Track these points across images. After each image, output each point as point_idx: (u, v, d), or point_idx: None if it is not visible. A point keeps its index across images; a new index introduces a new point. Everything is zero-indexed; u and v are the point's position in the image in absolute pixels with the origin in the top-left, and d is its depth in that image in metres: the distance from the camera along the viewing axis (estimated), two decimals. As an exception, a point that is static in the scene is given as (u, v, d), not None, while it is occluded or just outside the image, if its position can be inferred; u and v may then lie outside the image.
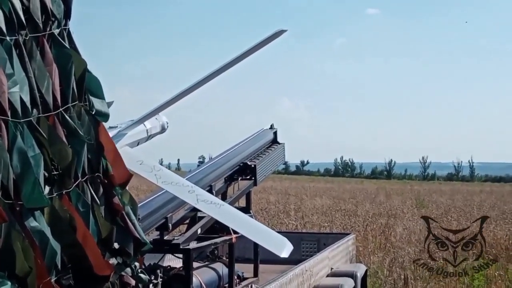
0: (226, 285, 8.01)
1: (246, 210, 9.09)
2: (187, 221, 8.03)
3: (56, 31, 3.70)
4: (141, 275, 4.33)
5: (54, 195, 3.42)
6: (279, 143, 10.45)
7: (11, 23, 3.29)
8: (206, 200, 5.62)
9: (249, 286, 8.49)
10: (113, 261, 3.95)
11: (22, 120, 3.19)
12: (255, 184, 9.12)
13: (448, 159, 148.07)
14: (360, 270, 10.43)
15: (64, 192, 3.51)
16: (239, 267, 8.48)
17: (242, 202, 9.20)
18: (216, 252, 8.41)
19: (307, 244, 11.25)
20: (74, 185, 3.60)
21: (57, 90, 3.55)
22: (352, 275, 9.65)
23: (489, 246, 17.40)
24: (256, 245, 9.13)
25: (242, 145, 9.44)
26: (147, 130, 6.48)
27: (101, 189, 3.92)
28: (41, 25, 3.54)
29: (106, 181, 3.98)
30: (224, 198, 8.75)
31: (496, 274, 14.21)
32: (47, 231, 3.25)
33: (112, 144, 4.16)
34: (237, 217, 5.83)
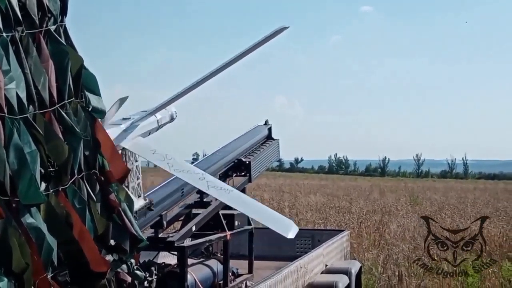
0: (221, 282, 8.03)
1: (241, 207, 9.11)
2: (182, 218, 8.04)
3: (53, 28, 3.70)
4: (137, 272, 4.33)
5: (51, 191, 3.42)
6: (273, 139, 10.44)
7: (7, 19, 3.29)
8: (216, 186, 5.72)
9: (244, 282, 8.52)
10: (109, 257, 3.96)
11: (18, 117, 3.19)
12: (249, 181, 9.12)
13: (442, 157, 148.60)
14: (355, 267, 10.44)
15: (60, 189, 3.51)
16: (233, 264, 8.50)
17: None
18: (210, 249, 8.43)
19: (301, 241, 11.27)
20: (71, 181, 3.60)
21: (53, 86, 3.55)
22: (346, 272, 9.66)
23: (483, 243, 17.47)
24: (250, 242, 9.16)
25: (237, 141, 9.44)
26: (157, 120, 6.59)
27: (98, 186, 3.93)
28: (37, 22, 3.53)
29: (102, 178, 3.98)
30: (219, 194, 8.76)
31: (490, 271, 14.24)
32: (44, 228, 3.26)
33: (109, 141, 4.16)
34: (246, 202, 5.98)
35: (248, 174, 9.05)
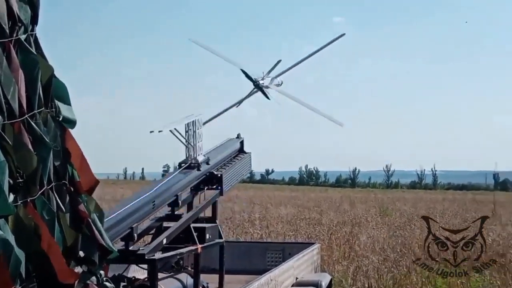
0: (192, 296, 7.99)
1: (212, 220, 9.08)
2: (153, 231, 7.99)
3: (23, 37, 3.65)
4: (107, 283, 4.29)
5: (19, 203, 3.37)
6: (246, 152, 10.46)
7: (-24, 28, 3.25)
8: None
9: (215, 296, 8.49)
10: (78, 269, 3.91)
11: (-14, 127, 3.14)
12: (221, 194, 9.10)
13: (411, 167, 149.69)
14: (325, 279, 10.45)
15: (29, 200, 3.46)
16: (204, 278, 8.45)
17: (208, 212, 9.18)
18: (181, 262, 8.39)
19: (272, 254, 11.27)
20: (40, 192, 3.56)
21: (23, 96, 3.50)
22: (317, 285, 9.67)
23: (452, 254, 17.58)
24: (221, 255, 9.12)
25: (209, 154, 9.42)
26: None
27: (67, 197, 3.88)
28: (7, 31, 3.49)
29: (72, 188, 3.94)
30: (190, 208, 8.72)
31: (458, 282, 14.35)
32: (12, 240, 3.20)
33: (79, 151, 4.12)
34: None
35: (219, 187, 9.03)
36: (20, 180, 3.43)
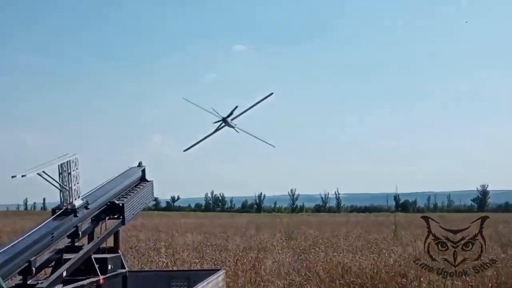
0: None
1: (114, 250, 8.97)
2: (52, 263, 7.81)
3: None
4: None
5: None
6: (147, 181, 10.41)
7: None
8: None
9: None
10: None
11: None
12: (123, 223, 9.01)
13: (315, 191, 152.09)
14: (231, 305, 10.49)
15: None
16: (107, 309, 8.32)
17: (110, 242, 9.06)
18: (83, 294, 8.22)
19: (177, 282, 11.19)
20: None
21: None
22: (222, 311, 9.68)
23: (355, 276, 17.92)
24: (124, 286, 9.01)
25: (109, 184, 9.32)
26: None
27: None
28: None
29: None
30: (91, 238, 8.59)
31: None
32: None
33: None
34: None
35: (121, 217, 8.94)
36: None
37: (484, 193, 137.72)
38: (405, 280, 16.84)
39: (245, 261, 21.21)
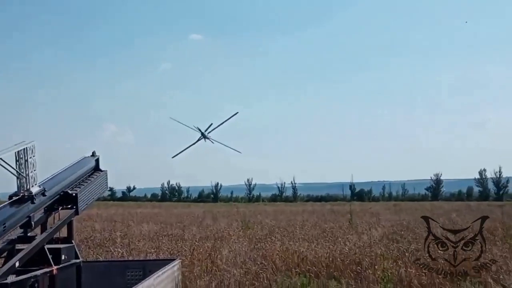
0: (47, 319, 7.77)
1: (68, 240, 8.88)
2: (5, 254, 7.71)
3: None
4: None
5: None
6: (101, 170, 10.32)
7: None
8: None
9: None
10: None
11: None
12: (76, 213, 8.92)
13: (272, 181, 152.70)
14: (186, 294, 10.49)
15: None
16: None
17: (64, 232, 8.98)
18: (36, 285, 8.12)
19: (132, 272, 11.14)
20: None
21: None
22: (178, 301, 9.67)
23: (311, 264, 18.05)
24: (79, 276, 8.93)
25: (62, 174, 9.21)
26: None
27: None
28: None
29: None
30: (44, 228, 8.49)
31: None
32: None
33: None
34: None
35: (75, 207, 8.85)
36: None
37: (437, 182, 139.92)
38: (360, 268, 17.02)
39: (201, 250, 21.21)
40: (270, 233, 29.91)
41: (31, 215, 7.90)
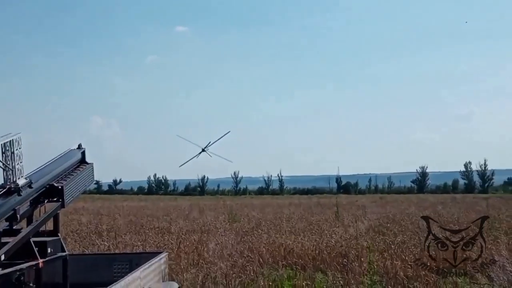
0: (34, 313, 7.74)
1: (54, 233, 8.85)
2: None
3: None
4: None
5: None
6: (87, 163, 10.28)
7: None
8: None
9: (58, 311, 8.27)
10: None
11: None
12: (62, 206, 8.87)
13: (258, 174, 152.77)
14: (173, 287, 10.47)
15: None
16: (47, 293, 8.23)
17: (50, 226, 8.94)
18: (22, 278, 8.09)
19: (119, 265, 11.11)
20: None
21: None
22: (164, 293, 9.67)
23: (297, 257, 18.11)
24: (65, 269, 8.90)
25: (48, 166, 9.16)
26: None
27: None
28: None
29: None
30: (30, 221, 8.45)
31: (304, 284, 14.80)
32: None
33: None
34: None
35: (61, 200, 8.81)
36: None
37: (423, 174, 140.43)
38: (346, 260, 17.11)
39: (188, 243, 21.23)
40: (257, 226, 29.96)
41: (16, 208, 7.86)
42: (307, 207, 51.96)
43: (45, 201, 8.66)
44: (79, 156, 10.16)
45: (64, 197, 8.82)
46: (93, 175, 10.43)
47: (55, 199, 8.78)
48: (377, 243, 21.20)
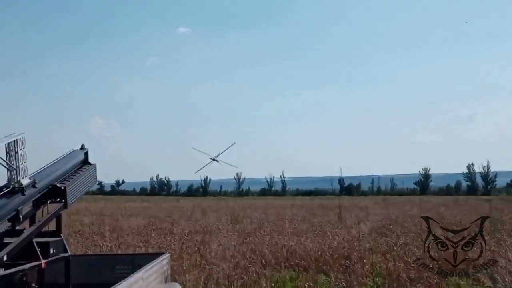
0: (36, 313, 7.74)
1: (56, 233, 8.84)
2: None
3: None
4: None
5: None
6: (90, 164, 10.27)
7: None
8: None
9: (61, 312, 8.27)
10: None
11: None
12: (65, 206, 8.87)
13: (261, 175, 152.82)
14: (175, 288, 10.47)
15: None
16: (50, 293, 8.22)
17: (53, 226, 8.94)
18: (24, 279, 8.08)
19: (121, 266, 11.10)
20: None
21: None
22: (166, 294, 9.66)
23: (300, 258, 18.09)
24: (67, 270, 8.90)
25: (51, 167, 9.16)
26: None
27: None
28: None
29: None
30: (32, 222, 8.44)
31: (306, 285, 14.78)
32: None
33: None
34: None
35: (64, 200, 8.81)
36: None
37: (426, 176, 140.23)
38: (348, 262, 17.09)
39: (190, 244, 21.23)
40: (259, 227, 29.95)
41: (19, 208, 7.86)
42: (310, 209, 51.93)
43: (48, 202, 8.66)
44: (82, 156, 10.16)
45: (67, 198, 8.82)
46: (96, 175, 10.42)
47: (58, 199, 8.78)
48: (379, 245, 21.18)
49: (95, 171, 10.37)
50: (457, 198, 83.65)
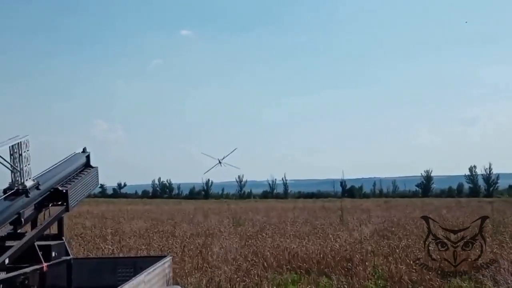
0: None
1: (58, 237, 8.85)
2: None
3: None
4: None
5: None
6: (92, 167, 10.28)
7: None
8: None
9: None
10: None
11: None
12: (67, 209, 8.88)
13: (263, 177, 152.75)
14: (177, 291, 10.47)
15: None
16: (51, 296, 8.23)
17: (54, 229, 8.95)
18: (26, 282, 8.09)
19: (123, 269, 11.11)
20: None
21: None
22: (168, 297, 9.65)
23: (302, 261, 18.07)
24: (69, 273, 8.91)
25: (53, 170, 9.18)
26: None
27: None
28: None
29: None
30: (34, 225, 8.46)
31: (308, 287, 14.77)
32: None
33: None
34: None
35: (65, 203, 8.82)
36: None
37: (428, 178, 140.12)
38: (350, 264, 17.05)
39: (192, 247, 21.21)
40: (261, 229, 29.91)
41: (21, 211, 7.87)
42: (312, 211, 51.86)
43: (50, 205, 8.67)
44: (83, 159, 10.17)
45: (69, 201, 8.83)
46: (97, 179, 10.44)
47: (59, 202, 8.80)
48: (381, 247, 21.15)
49: (97, 174, 10.38)
50: (459, 200, 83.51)
